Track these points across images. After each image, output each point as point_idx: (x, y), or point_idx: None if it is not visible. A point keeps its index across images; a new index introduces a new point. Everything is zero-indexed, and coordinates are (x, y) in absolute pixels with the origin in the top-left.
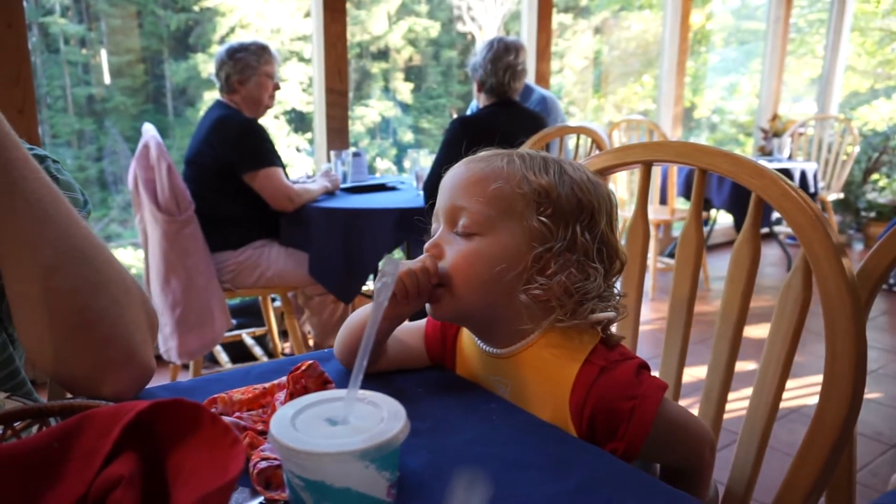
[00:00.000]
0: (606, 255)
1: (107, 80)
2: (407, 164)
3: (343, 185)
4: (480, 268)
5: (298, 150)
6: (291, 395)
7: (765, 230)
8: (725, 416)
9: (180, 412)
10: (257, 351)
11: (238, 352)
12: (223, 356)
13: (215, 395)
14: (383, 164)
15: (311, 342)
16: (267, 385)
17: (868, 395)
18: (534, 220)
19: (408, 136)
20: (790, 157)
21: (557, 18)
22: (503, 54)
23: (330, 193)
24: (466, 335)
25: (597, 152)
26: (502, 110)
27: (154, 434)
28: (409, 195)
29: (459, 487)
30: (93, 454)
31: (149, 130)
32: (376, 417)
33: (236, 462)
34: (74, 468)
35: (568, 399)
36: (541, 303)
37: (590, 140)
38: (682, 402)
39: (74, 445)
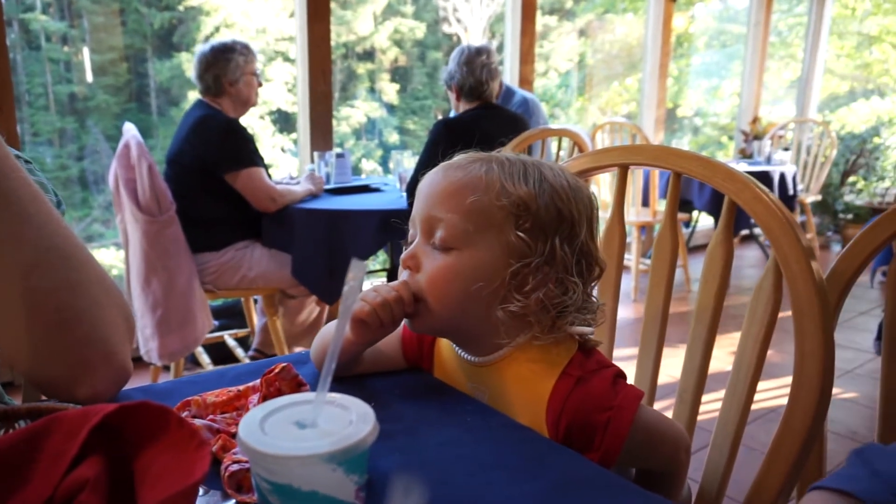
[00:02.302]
0: (586, 265)
1: (89, 78)
2: (392, 165)
3: (326, 187)
4: (457, 285)
5: (283, 150)
6: (265, 398)
7: (745, 232)
8: (703, 416)
9: (147, 415)
10: (239, 352)
11: (220, 353)
12: (205, 357)
13: (189, 398)
14: (369, 165)
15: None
16: (241, 388)
17: (844, 395)
18: (512, 234)
19: (393, 137)
20: (768, 160)
21: (542, 20)
22: (475, 56)
23: (314, 196)
24: (444, 341)
25: (578, 154)
26: (485, 112)
27: (121, 437)
28: (393, 196)
29: (397, 494)
30: (60, 457)
31: (129, 130)
32: (345, 420)
33: (201, 465)
34: (41, 470)
35: (544, 411)
36: (518, 317)
37: (571, 142)
38: (659, 404)
39: (42, 448)
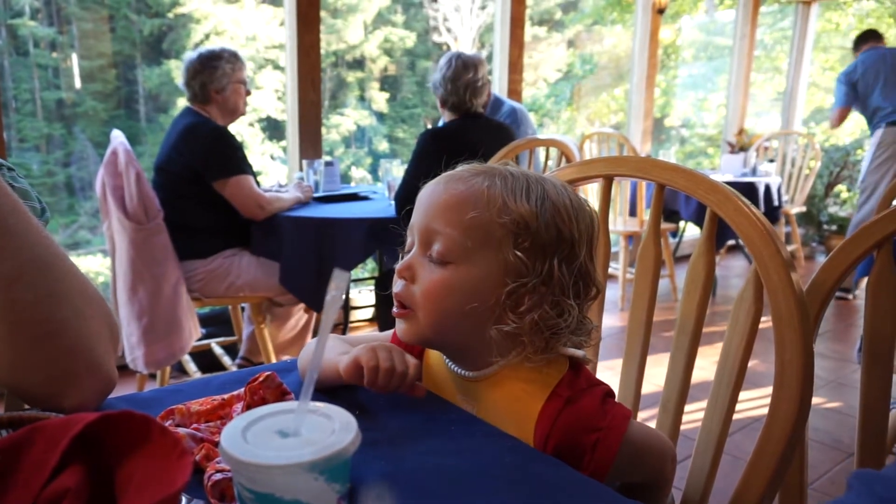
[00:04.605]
0: (583, 286)
1: (77, 84)
2: (381, 173)
3: (315, 195)
4: (451, 300)
5: (273, 157)
6: (249, 407)
7: (731, 242)
8: (688, 425)
9: (129, 424)
10: (226, 360)
11: (207, 361)
12: (191, 366)
13: (173, 407)
14: (358, 173)
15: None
16: (225, 396)
17: (827, 405)
18: (510, 252)
19: (383, 145)
20: (754, 172)
21: (531, 31)
22: (462, 72)
23: (302, 204)
24: (434, 353)
25: (564, 165)
26: (471, 122)
27: (103, 446)
28: (381, 205)
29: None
30: (40, 466)
31: (117, 137)
32: (328, 429)
33: (183, 474)
34: (21, 480)
35: (532, 431)
36: (511, 337)
37: (559, 152)
38: (644, 413)
39: (22, 458)
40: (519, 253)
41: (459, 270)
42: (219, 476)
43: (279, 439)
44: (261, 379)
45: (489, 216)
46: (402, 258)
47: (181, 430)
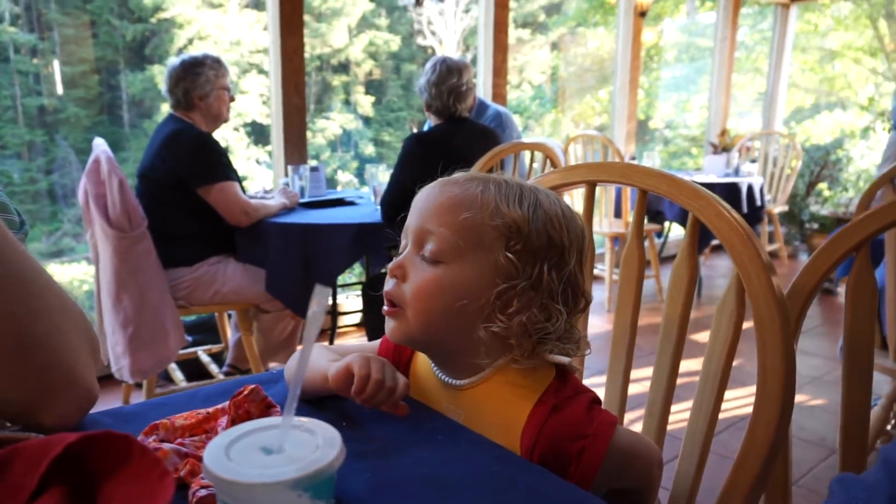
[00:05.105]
0: (572, 294)
1: (59, 90)
2: (367, 177)
3: (301, 200)
4: (441, 299)
5: (258, 162)
6: (233, 421)
7: (716, 242)
8: (675, 426)
9: (110, 444)
10: (213, 368)
11: (193, 369)
12: (178, 374)
13: (157, 422)
14: (345, 177)
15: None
16: (210, 410)
17: (812, 402)
18: (501, 255)
19: (369, 149)
20: (737, 172)
21: (515, 33)
22: (446, 77)
23: (288, 210)
24: (422, 360)
25: (550, 168)
26: (456, 127)
27: (85, 467)
28: (367, 210)
29: None
30: (19, 489)
31: (99, 145)
32: (311, 445)
33: (164, 495)
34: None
35: (519, 438)
36: (499, 339)
37: (544, 156)
38: (631, 414)
39: (1, 480)
40: (510, 255)
41: (451, 269)
42: (204, 492)
43: (263, 456)
44: (245, 392)
45: (482, 218)
46: (394, 260)
47: (165, 446)
